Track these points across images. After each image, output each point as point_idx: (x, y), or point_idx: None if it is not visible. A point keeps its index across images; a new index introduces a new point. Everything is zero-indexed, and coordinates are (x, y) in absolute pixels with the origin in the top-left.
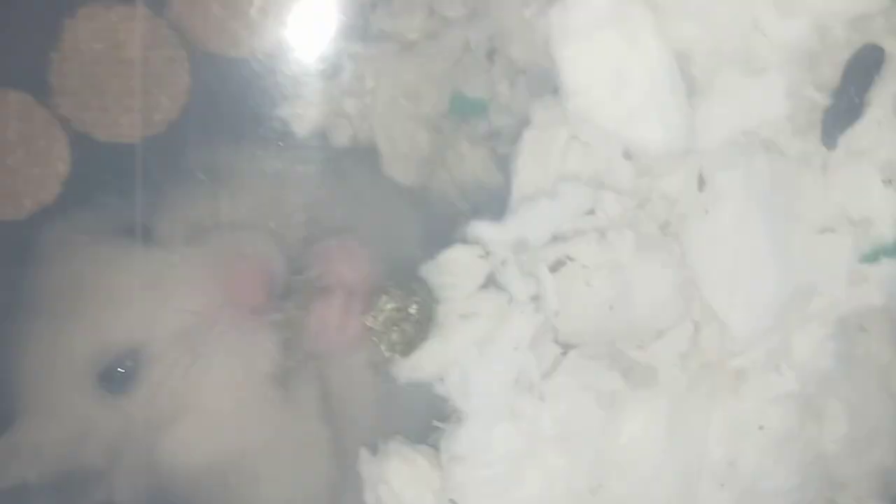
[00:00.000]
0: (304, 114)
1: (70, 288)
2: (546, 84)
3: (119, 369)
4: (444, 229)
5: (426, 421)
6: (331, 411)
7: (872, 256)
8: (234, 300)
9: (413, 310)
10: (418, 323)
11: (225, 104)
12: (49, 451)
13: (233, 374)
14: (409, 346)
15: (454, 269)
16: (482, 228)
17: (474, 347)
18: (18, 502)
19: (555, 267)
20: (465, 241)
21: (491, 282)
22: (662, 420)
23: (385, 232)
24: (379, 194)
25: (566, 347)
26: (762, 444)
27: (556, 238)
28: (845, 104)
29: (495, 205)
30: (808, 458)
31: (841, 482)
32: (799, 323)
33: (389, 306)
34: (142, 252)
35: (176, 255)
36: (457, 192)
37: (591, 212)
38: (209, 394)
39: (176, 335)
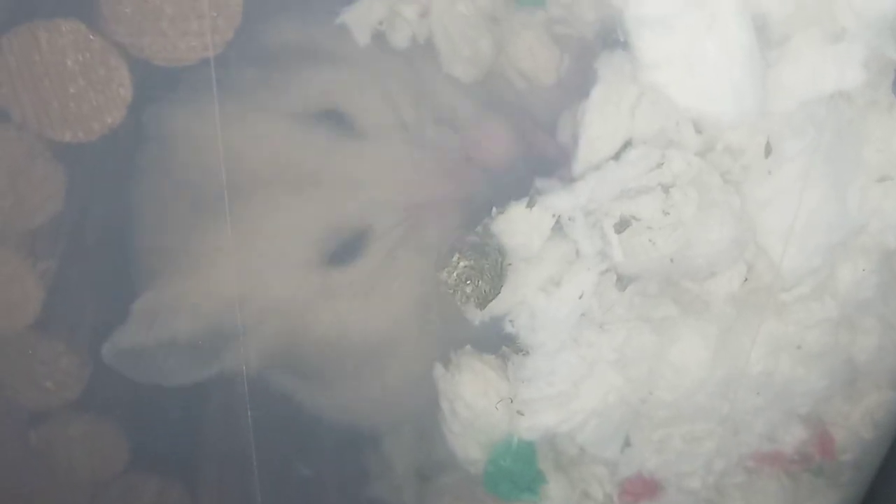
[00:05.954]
0: (363, 20)
1: None
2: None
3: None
4: None
5: (496, 344)
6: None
7: None
8: None
9: (486, 268)
10: (491, 280)
11: (280, 21)
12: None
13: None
14: (483, 300)
15: (522, 228)
16: (552, 197)
17: (541, 291)
18: (168, 355)
19: (620, 227)
20: (532, 202)
21: (556, 229)
22: (710, 340)
23: None
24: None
25: (626, 283)
26: (798, 358)
27: (623, 195)
28: None
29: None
30: (838, 363)
31: (863, 372)
32: (844, 258)
33: (462, 264)
34: None
35: None
36: (515, 74)
37: (658, 166)
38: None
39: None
